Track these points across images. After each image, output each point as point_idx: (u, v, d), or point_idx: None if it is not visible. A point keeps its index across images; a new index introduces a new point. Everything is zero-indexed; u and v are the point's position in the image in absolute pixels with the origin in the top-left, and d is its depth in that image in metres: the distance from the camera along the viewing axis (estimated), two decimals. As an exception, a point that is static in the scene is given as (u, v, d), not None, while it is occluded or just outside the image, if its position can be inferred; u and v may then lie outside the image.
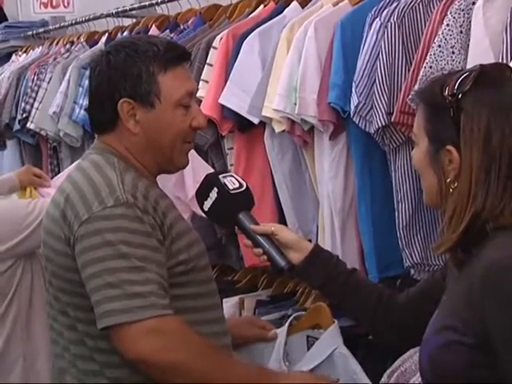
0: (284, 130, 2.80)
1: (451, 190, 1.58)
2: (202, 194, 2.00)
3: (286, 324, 2.32)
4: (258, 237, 1.96)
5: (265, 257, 1.96)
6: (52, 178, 3.93)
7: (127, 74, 1.93)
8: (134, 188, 1.88)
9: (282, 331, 2.37)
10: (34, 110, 4.02)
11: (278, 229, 2.00)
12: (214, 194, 1.97)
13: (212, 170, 2.67)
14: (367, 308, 1.94)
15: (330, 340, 2.19)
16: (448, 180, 1.58)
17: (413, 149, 2.45)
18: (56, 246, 1.92)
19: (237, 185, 1.99)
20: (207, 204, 1.98)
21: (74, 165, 3.13)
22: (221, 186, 1.97)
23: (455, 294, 1.57)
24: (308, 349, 2.56)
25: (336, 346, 2.19)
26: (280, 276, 3.06)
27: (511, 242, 1.50)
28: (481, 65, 1.61)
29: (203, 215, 2.13)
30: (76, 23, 4.58)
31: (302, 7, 3.00)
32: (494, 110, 1.54)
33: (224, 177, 2.00)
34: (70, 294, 1.90)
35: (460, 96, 1.55)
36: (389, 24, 2.52)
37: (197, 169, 2.76)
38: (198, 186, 2.13)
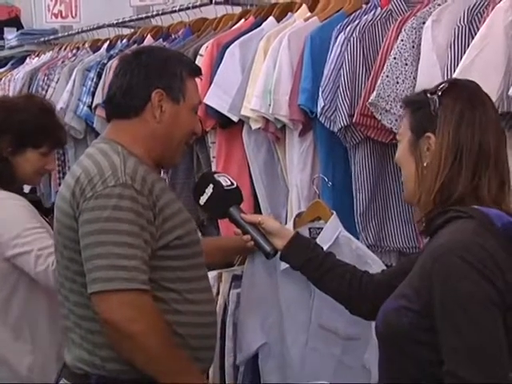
0: (260, 128, 2.80)
1: (425, 172, 1.58)
2: (198, 190, 2.00)
3: (291, 221, 2.35)
4: (247, 226, 1.97)
5: (252, 242, 1.97)
6: (59, 164, 3.92)
7: (166, 70, 1.97)
8: (134, 171, 1.88)
9: (288, 227, 2.37)
10: (43, 106, 4.02)
11: (263, 219, 2.03)
12: (209, 190, 1.98)
13: None
14: (343, 284, 1.94)
15: (334, 227, 2.24)
16: (424, 164, 1.58)
17: (370, 147, 2.57)
18: (65, 221, 1.92)
19: (229, 183, 2.00)
20: (203, 199, 1.98)
21: None
22: (216, 183, 1.98)
23: (416, 266, 1.59)
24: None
25: (340, 230, 2.25)
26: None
27: (460, 229, 1.52)
28: (454, 78, 1.67)
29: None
30: (82, 31, 4.59)
31: (278, 21, 3.01)
32: (466, 106, 1.57)
33: (218, 176, 2.01)
34: (78, 263, 1.89)
35: (440, 93, 1.59)
36: (351, 38, 2.54)
37: None
38: None
